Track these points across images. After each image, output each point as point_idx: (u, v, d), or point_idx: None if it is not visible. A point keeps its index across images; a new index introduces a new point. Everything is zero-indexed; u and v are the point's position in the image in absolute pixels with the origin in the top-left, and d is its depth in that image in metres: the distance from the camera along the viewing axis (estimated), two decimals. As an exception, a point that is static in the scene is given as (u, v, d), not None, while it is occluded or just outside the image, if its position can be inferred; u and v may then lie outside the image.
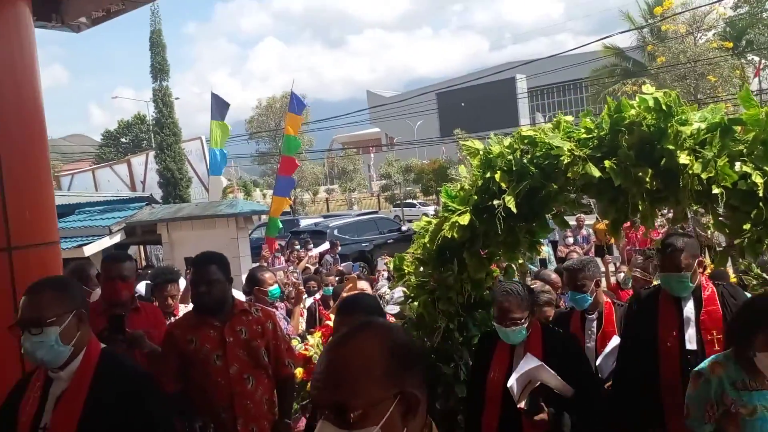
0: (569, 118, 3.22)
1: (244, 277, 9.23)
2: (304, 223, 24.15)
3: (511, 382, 2.87)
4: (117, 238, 12.32)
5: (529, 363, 2.90)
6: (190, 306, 5.55)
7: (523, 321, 3.03)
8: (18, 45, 3.33)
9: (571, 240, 11.97)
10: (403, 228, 20.94)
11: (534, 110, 59.89)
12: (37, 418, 2.13)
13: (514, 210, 2.96)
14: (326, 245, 14.49)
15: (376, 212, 29.84)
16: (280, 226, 13.34)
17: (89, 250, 11.31)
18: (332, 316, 4.36)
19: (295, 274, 10.74)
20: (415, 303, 3.56)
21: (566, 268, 4.07)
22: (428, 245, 3.41)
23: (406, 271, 3.66)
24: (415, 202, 41.80)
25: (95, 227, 12.14)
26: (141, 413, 2.12)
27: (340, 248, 14.85)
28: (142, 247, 15.70)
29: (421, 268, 3.52)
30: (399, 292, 4.90)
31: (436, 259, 3.40)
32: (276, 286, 5.49)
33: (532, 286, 3.94)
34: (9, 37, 3.28)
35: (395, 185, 43.22)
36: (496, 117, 53.81)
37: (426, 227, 3.51)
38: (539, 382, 2.88)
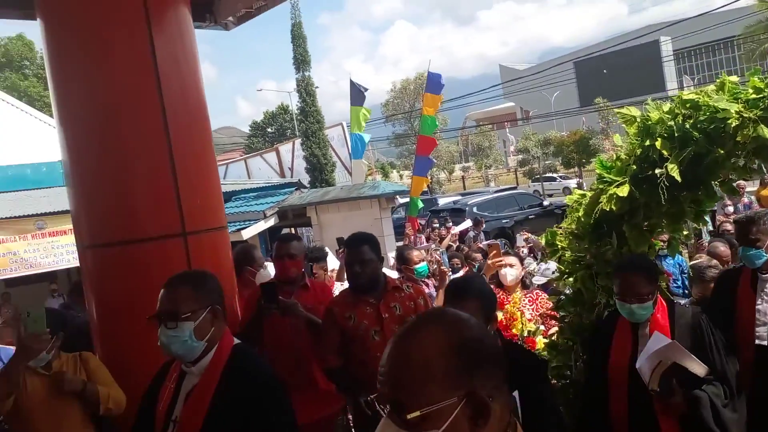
0: (734, 78, 2.98)
1: (390, 256, 9.45)
2: (443, 201, 24.23)
3: (640, 363, 2.63)
4: (271, 222, 13.04)
5: (658, 342, 2.63)
6: (346, 283, 5.81)
7: (649, 296, 2.75)
8: (181, 45, 3.57)
9: (731, 209, 11.09)
10: (545, 203, 20.41)
11: (681, 73, 55.86)
12: (170, 409, 2.17)
13: (678, 179, 2.79)
14: (467, 223, 14.45)
15: (514, 188, 29.32)
16: (421, 205, 13.49)
17: (246, 234, 12.05)
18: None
19: (438, 252, 10.81)
20: (571, 279, 3.47)
21: (737, 221, 3.64)
22: (583, 219, 3.30)
23: (559, 246, 3.56)
24: (555, 175, 40.56)
25: (251, 212, 12.91)
26: (260, 420, 2.07)
27: (484, 225, 14.75)
28: (293, 229, 16.52)
29: (576, 243, 3.42)
30: (551, 266, 4.79)
31: (592, 233, 3.29)
32: (423, 263, 5.58)
33: (697, 261, 3.68)
34: (173, 37, 3.52)
35: (533, 159, 42.16)
36: (639, 83, 50.84)
37: (579, 200, 3.40)
38: (671, 362, 2.59)
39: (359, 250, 3.47)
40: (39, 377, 3.12)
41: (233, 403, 2.10)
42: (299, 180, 16.65)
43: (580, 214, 3.33)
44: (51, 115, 16.69)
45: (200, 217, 3.49)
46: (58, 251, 11.78)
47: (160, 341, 2.16)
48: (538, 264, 6.91)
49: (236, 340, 2.30)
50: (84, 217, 3.45)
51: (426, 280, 6.10)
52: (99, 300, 3.45)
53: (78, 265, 10.69)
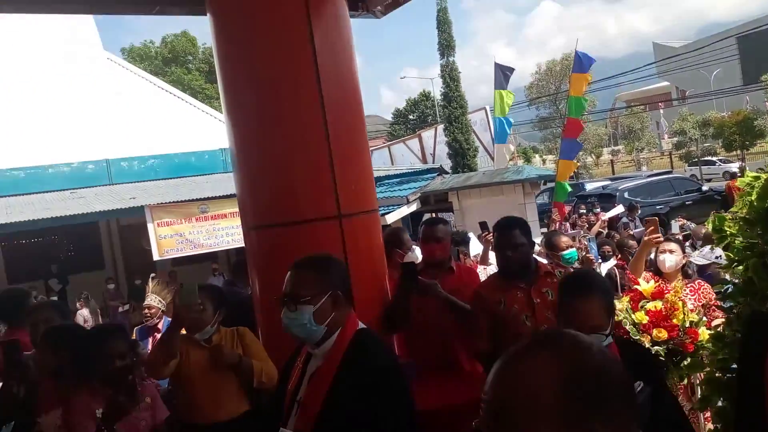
0: None
1: (535, 242, 9.25)
2: (590, 186, 23.29)
3: None
4: (413, 207, 13.22)
5: None
6: (489, 268, 5.78)
7: None
8: (338, 34, 3.70)
9: None
10: (704, 188, 19.03)
11: None
12: (296, 389, 2.21)
13: None
14: (619, 208, 13.79)
15: (669, 172, 27.57)
16: (569, 189, 13.07)
17: (390, 219, 12.31)
18: (640, 281, 4.15)
19: (586, 239, 10.42)
20: (740, 267, 3.22)
21: None
22: (756, 203, 3.04)
23: (728, 232, 3.31)
24: (714, 159, 37.63)
25: (394, 197, 13.15)
26: (376, 406, 2.05)
27: (639, 212, 14.01)
28: (434, 214, 16.63)
29: (748, 229, 3.16)
30: (717, 252, 4.48)
31: (766, 218, 3.03)
32: (571, 249, 5.42)
33: None
34: (331, 28, 3.65)
35: (690, 142, 39.33)
36: (817, 56, 45.81)
37: (752, 183, 3.14)
38: None
39: (511, 234, 3.42)
40: (201, 349, 3.38)
41: (351, 387, 2.09)
42: (441, 165, 16.70)
43: (753, 197, 3.06)
44: (213, 107, 17.90)
45: (354, 200, 3.60)
46: (219, 233, 12.66)
47: (283, 323, 2.20)
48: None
49: (362, 325, 2.30)
50: (249, 200, 3.69)
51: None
52: (261, 278, 3.68)
53: (236, 246, 11.47)
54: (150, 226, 11.86)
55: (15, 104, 15.62)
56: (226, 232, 12.74)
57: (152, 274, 6.25)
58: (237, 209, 12.11)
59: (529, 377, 1.01)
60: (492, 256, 5.91)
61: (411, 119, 51.18)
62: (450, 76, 25.69)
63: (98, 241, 15.44)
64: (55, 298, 12.18)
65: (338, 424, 2.05)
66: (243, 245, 12.08)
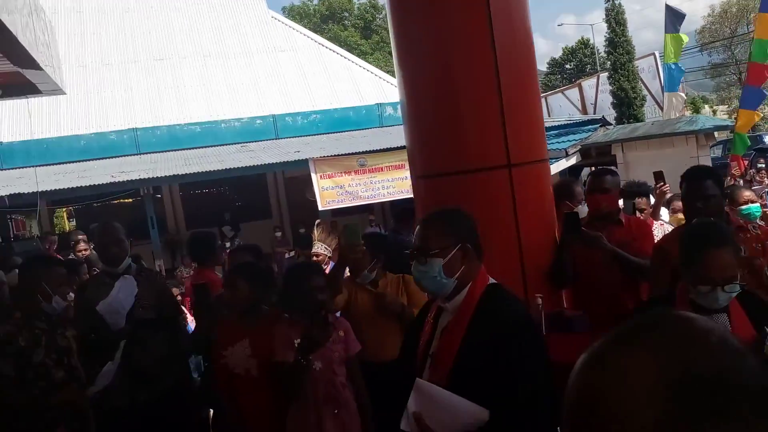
0: None
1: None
2: (772, 139, 21.12)
3: None
4: (573, 160, 12.72)
5: None
6: (662, 223, 5.45)
7: None
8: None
9: None
10: None
11: None
12: (428, 344, 2.23)
13: None
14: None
15: None
16: (748, 143, 11.94)
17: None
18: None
19: (765, 194, 9.49)
20: None
21: None
22: None
23: None
24: None
25: (552, 150, 12.70)
26: (508, 358, 2.03)
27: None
28: (593, 168, 15.92)
29: None
30: None
31: None
32: (752, 204, 4.97)
33: None
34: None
35: None
36: None
37: None
38: None
39: (702, 184, 3.18)
40: (366, 293, 3.50)
41: (484, 340, 2.07)
42: (603, 116, 15.85)
43: None
44: (368, 63, 18.08)
45: (524, 149, 3.52)
46: (376, 186, 12.99)
47: (414, 276, 2.23)
48: None
49: (492, 280, 2.28)
50: (418, 150, 3.72)
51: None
52: (430, 226, 3.72)
53: (392, 198, 11.70)
54: (314, 178, 12.41)
55: (192, 65, 16.85)
56: (382, 185, 13.05)
57: (317, 221, 6.54)
58: (393, 163, 12.39)
59: (620, 382, 0.76)
60: (663, 212, 5.57)
61: (567, 69, 48.93)
62: (615, 20, 24.09)
63: (265, 192, 16.42)
64: (228, 244, 13.17)
65: (472, 377, 2.02)
66: (398, 197, 12.33)
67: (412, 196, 13.01)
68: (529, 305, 3.41)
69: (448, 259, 2.15)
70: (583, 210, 4.19)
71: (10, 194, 10.63)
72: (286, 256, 13.40)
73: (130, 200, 14.88)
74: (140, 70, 16.52)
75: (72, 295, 3.47)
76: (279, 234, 14.40)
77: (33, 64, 6.37)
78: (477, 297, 2.17)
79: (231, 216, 15.40)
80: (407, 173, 13.13)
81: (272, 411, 3.15)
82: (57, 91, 7.96)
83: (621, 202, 5.63)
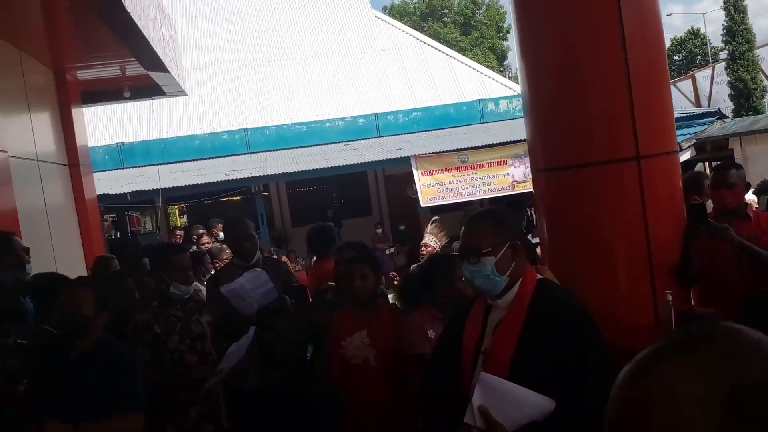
0: None
1: None
2: None
3: None
4: (687, 155, 12.13)
5: None
6: None
7: None
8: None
9: None
10: None
11: None
12: (479, 342, 2.23)
13: None
14: None
15: None
16: None
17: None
18: None
19: None
20: None
21: None
22: None
23: None
24: None
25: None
26: (573, 351, 2.04)
27: None
28: (706, 164, 15.12)
29: None
30: None
31: None
32: None
33: None
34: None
35: None
36: None
37: None
38: None
39: None
40: None
41: (543, 334, 2.08)
42: (719, 109, 15.00)
43: None
44: (469, 59, 17.99)
45: (654, 139, 3.39)
46: (476, 182, 12.91)
47: (465, 276, 2.25)
48: None
49: (539, 276, 2.31)
50: (539, 142, 3.66)
51: None
52: (550, 220, 3.66)
53: (492, 195, 11.61)
54: (415, 175, 12.48)
55: (299, 66, 17.35)
56: (483, 182, 12.95)
57: (433, 218, 6.57)
58: (495, 159, 12.26)
59: (669, 395, 0.72)
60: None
61: (676, 60, 46.63)
62: (734, 7, 22.71)
63: (366, 190, 16.66)
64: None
65: (532, 371, 2.03)
66: (499, 194, 12.16)
67: (513, 192, 12.90)
68: (657, 303, 3.30)
69: (499, 257, 2.17)
70: (708, 206, 4.00)
71: (133, 191, 11.33)
72: (387, 252, 13.55)
73: (238, 198, 15.48)
74: (250, 72, 17.18)
75: (197, 284, 3.65)
76: (380, 230, 14.58)
77: (161, 67, 6.77)
78: (530, 292, 2.19)
79: (333, 213, 15.73)
80: (509, 169, 13.06)
81: (389, 401, 3.20)
82: (180, 92, 8.43)
83: (750, 196, 5.35)
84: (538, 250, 3.63)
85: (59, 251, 6.17)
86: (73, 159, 7.25)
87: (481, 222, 2.28)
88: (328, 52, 17.79)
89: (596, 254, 3.40)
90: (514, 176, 12.85)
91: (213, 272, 4.96)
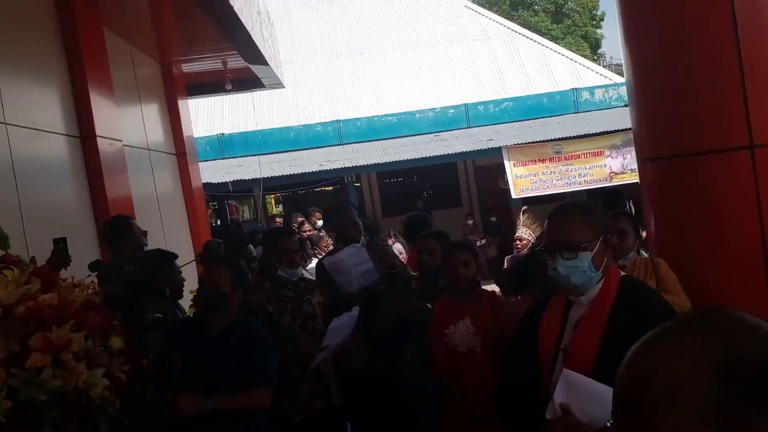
0: None
1: None
2: None
3: None
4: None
5: None
6: None
7: None
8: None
9: None
10: None
11: None
12: (558, 338, 2.16)
13: None
14: None
15: None
16: None
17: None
18: None
19: None
20: None
21: None
22: None
23: None
24: None
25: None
26: None
27: None
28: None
29: None
30: None
31: None
32: None
33: None
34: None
35: None
36: None
37: None
38: None
39: None
40: None
41: (628, 333, 1.92)
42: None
43: None
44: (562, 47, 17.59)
45: (770, 128, 3.25)
46: (571, 174, 12.62)
47: (556, 273, 2.11)
48: None
49: (622, 273, 2.20)
50: (645, 131, 3.59)
51: None
52: (657, 210, 3.58)
53: (587, 187, 11.32)
54: (507, 166, 12.34)
55: (389, 58, 17.49)
56: (578, 173, 12.66)
57: (523, 208, 6.52)
58: (591, 150, 11.94)
59: (670, 363, 0.82)
60: None
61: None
62: None
63: (456, 180, 16.62)
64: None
65: (615, 370, 1.95)
66: (595, 186, 11.82)
67: (610, 184, 12.47)
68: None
69: (595, 252, 2.08)
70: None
71: (233, 180, 11.80)
72: (478, 243, 13.50)
73: (331, 188, 15.82)
74: (342, 64, 17.47)
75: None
76: (470, 222, 14.53)
77: (260, 60, 7.03)
78: (614, 289, 2.11)
79: (423, 203, 15.79)
80: (606, 160, 12.71)
81: (494, 387, 3.21)
82: (278, 84, 8.72)
83: None
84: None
85: (169, 236, 6.53)
86: (181, 148, 7.65)
87: (573, 215, 2.17)
88: (418, 43, 17.83)
89: (708, 246, 3.31)
90: (612, 167, 12.48)
91: (320, 257, 5.13)
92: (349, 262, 3.71)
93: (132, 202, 5.37)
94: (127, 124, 5.99)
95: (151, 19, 6.22)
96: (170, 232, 6.70)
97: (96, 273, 3.56)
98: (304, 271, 4.36)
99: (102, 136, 4.93)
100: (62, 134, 4.60)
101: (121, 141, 5.41)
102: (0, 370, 2.57)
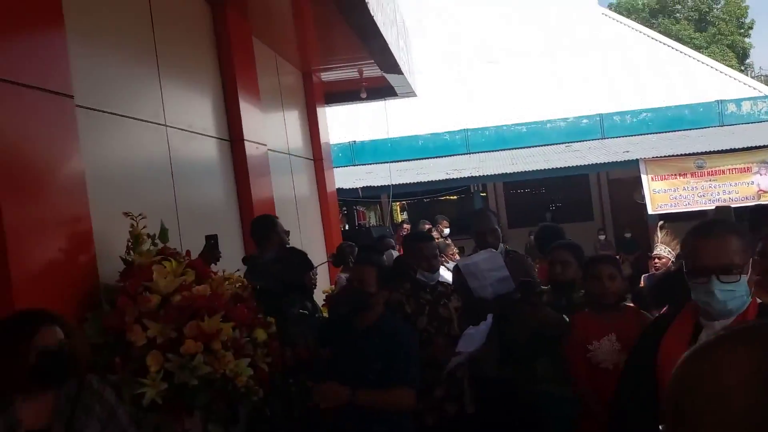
0: None
1: None
2: None
3: None
4: None
5: None
6: None
7: None
8: None
9: None
10: None
11: None
12: None
13: None
14: None
15: None
16: None
17: None
18: None
19: None
20: None
21: None
22: None
23: None
24: None
25: None
26: None
27: None
28: None
29: None
30: None
31: None
32: None
33: None
34: None
35: None
36: None
37: None
38: None
39: None
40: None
41: None
42: None
43: None
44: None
45: None
46: (715, 190, 11.90)
47: (711, 297, 1.94)
48: None
49: (758, 299, 2.06)
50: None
51: None
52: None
53: (733, 205, 10.62)
54: (644, 179, 11.79)
55: (521, 66, 17.23)
56: (722, 190, 11.91)
57: (660, 222, 6.20)
58: (737, 165, 11.24)
59: (718, 374, 0.84)
60: None
61: None
62: None
63: (587, 193, 16.08)
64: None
65: None
66: (741, 204, 11.09)
67: (758, 203, 11.65)
68: None
69: (749, 275, 1.98)
70: None
71: (363, 186, 12.08)
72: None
73: (455, 197, 15.80)
74: (472, 73, 17.40)
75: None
76: (602, 237, 13.98)
77: (396, 69, 7.15)
78: (752, 315, 1.98)
79: (551, 216, 15.39)
80: (753, 177, 11.87)
81: None
82: (410, 93, 8.83)
83: None
84: None
85: (304, 237, 6.78)
86: (318, 154, 7.93)
87: (731, 235, 2.03)
88: (551, 51, 17.42)
89: None
90: (760, 185, 11.63)
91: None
92: (484, 266, 3.67)
93: (273, 203, 5.62)
94: (271, 129, 6.29)
95: (294, 28, 6.49)
96: (305, 233, 6.95)
97: (247, 267, 3.79)
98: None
99: (249, 140, 5.22)
100: (214, 137, 4.91)
101: (265, 145, 5.68)
102: (158, 354, 2.78)
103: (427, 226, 7.72)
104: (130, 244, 3.07)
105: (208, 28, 5.08)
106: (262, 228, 4.28)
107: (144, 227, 3.07)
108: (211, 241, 3.76)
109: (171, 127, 4.19)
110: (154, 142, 3.99)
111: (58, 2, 2.90)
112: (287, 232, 4.33)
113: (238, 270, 3.49)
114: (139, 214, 3.04)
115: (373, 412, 2.86)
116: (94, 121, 3.29)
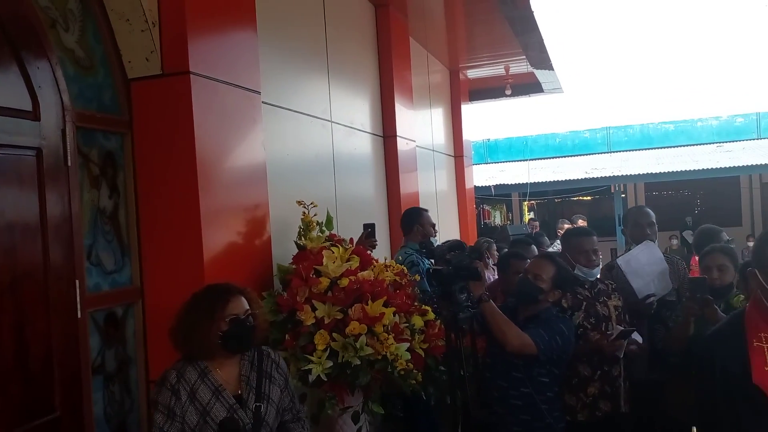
0: None
1: None
2: None
3: None
4: None
5: None
6: None
7: None
8: None
9: None
10: None
11: None
12: None
13: None
14: None
15: None
16: None
17: None
18: None
19: None
20: None
21: None
22: None
23: None
24: None
25: None
26: None
27: None
28: None
29: None
30: None
31: None
32: None
33: None
34: None
35: None
36: None
37: None
38: None
39: None
40: None
41: None
42: None
43: None
44: None
45: None
46: None
47: None
48: None
49: None
50: None
51: None
52: None
53: None
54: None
55: (671, 62, 16.40)
56: None
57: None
58: None
59: None
60: None
61: None
62: None
63: (737, 197, 15.07)
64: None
65: None
66: None
67: None
68: None
69: None
70: None
71: (496, 184, 12.05)
72: None
73: (589, 198, 15.31)
74: (616, 69, 16.82)
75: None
76: (751, 244, 13.09)
77: (546, 64, 7.08)
78: None
79: (693, 220, 14.57)
80: None
81: None
82: (557, 89, 8.70)
83: None
84: None
85: (443, 232, 6.90)
86: (459, 151, 8.02)
87: None
88: (704, 45, 16.48)
89: None
90: None
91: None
92: (644, 259, 3.59)
93: (419, 197, 5.79)
94: (419, 126, 6.45)
95: (446, 25, 6.60)
96: (443, 228, 7.06)
97: (424, 251, 4.05)
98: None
99: (401, 137, 5.41)
100: (370, 133, 5.14)
101: (414, 141, 5.86)
102: (325, 333, 2.99)
103: (566, 225, 7.59)
104: (301, 230, 3.32)
105: (370, 28, 5.32)
106: (412, 218, 4.47)
107: (315, 215, 3.31)
108: (368, 229, 3.96)
109: (336, 123, 4.45)
110: (321, 137, 4.25)
111: (253, 7, 3.19)
112: (433, 225, 4.49)
113: (385, 258, 3.69)
114: (311, 203, 3.28)
115: (523, 405, 2.94)
116: (274, 116, 3.57)
